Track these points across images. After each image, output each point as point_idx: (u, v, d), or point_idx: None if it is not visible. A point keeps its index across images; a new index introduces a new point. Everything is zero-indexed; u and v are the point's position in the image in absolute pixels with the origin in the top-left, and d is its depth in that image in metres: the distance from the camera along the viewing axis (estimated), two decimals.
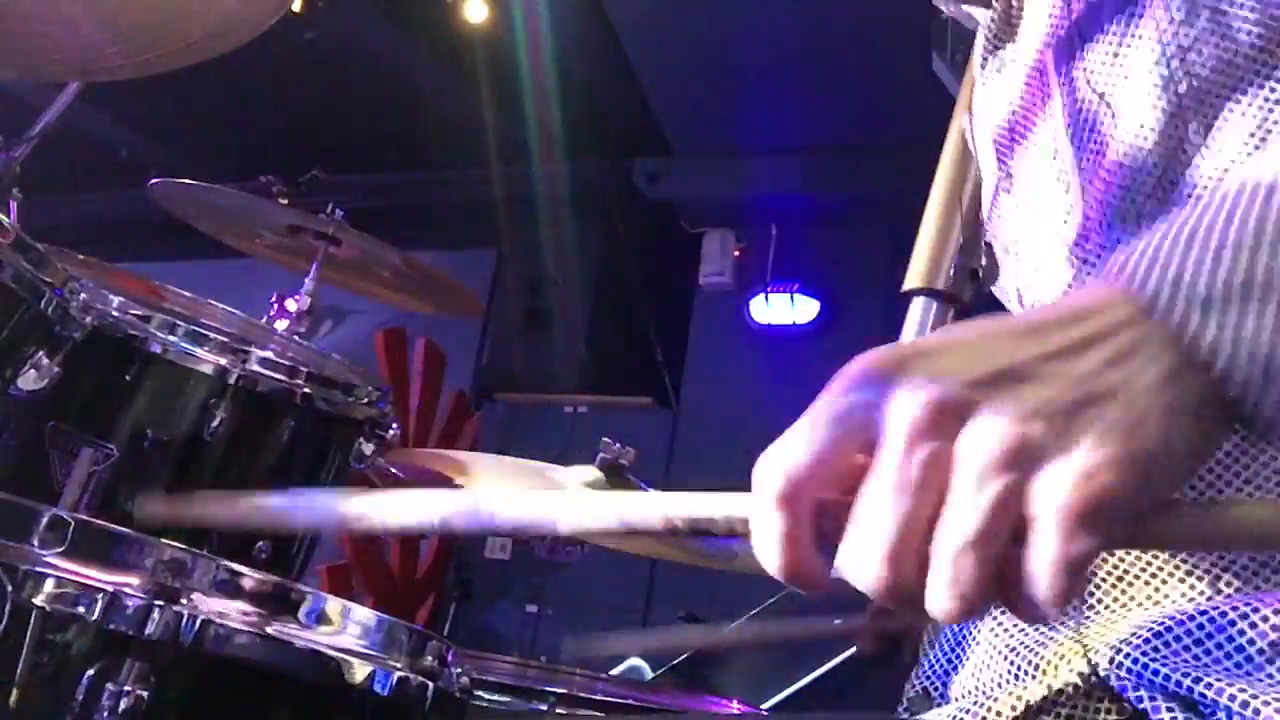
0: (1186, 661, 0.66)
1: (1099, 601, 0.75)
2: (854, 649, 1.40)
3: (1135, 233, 0.73)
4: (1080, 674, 0.70)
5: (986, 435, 0.50)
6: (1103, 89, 0.80)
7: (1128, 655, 0.68)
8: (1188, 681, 0.64)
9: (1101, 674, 0.69)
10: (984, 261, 1.16)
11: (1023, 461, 0.50)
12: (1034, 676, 0.74)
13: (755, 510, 0.53)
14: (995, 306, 1.09)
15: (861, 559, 0.51)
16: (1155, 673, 0.66)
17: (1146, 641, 0.68)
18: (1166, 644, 0.67)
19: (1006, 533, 0.50)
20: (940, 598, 0.50)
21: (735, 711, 1.66)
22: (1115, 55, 0.80)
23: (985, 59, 0.97)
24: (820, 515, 0.53)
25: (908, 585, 0.51)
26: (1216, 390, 0.52)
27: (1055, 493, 0.49)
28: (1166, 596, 0.72)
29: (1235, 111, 0.73)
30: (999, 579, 0.50)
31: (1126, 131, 0.78)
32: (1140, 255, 0.55)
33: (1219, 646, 0.66)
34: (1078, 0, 0.84)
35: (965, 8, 1.01)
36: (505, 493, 0.59)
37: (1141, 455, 0.50)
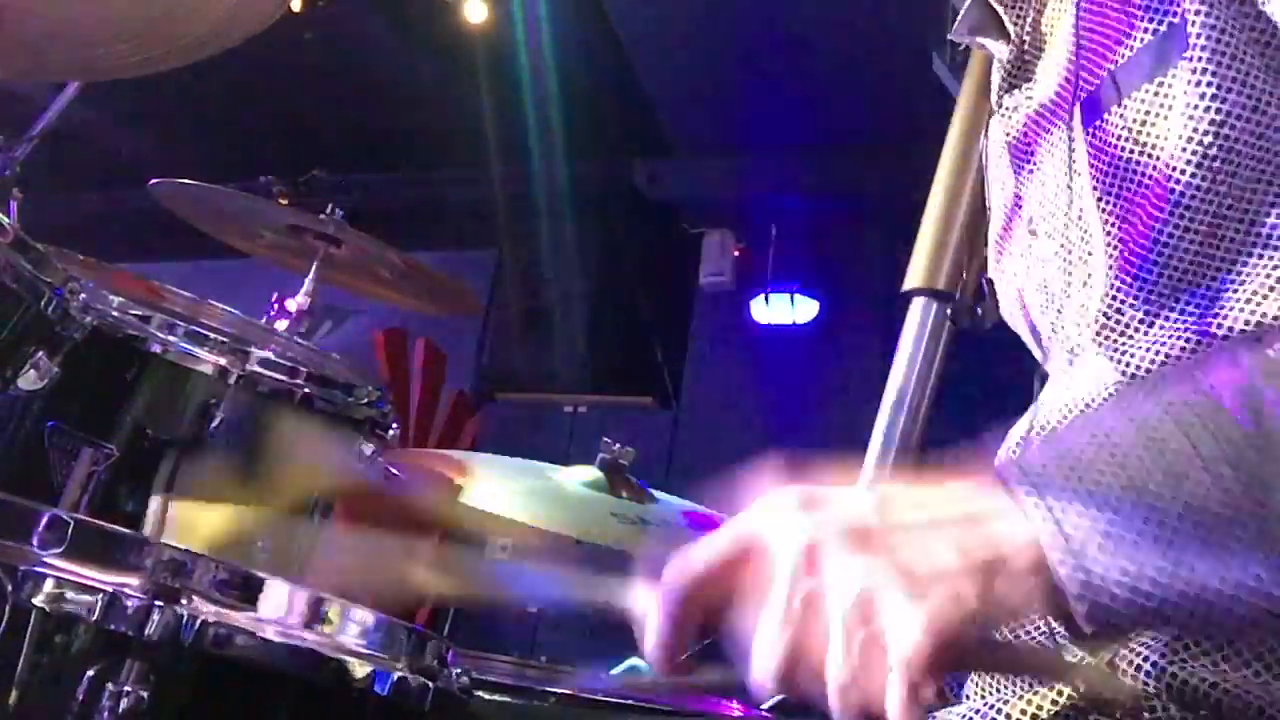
0: (1204, 668, 0.66)
1: None
2: None
3: (1172, 310, 0.78)
4: (1093, 680, 0.70)
5: (840, 580, 0.61)
6: (1130, 155, 0.80)
7: (1146, 658, 0.68)
8: (1204, 687, 0.64)
9: (1115, 680, 0.69)
10: (985, 298, 1.16)
11: (873, 614, 0.60)
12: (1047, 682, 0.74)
13: (653, 600, 0.67)
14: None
15: (763, 665, 0.63)
16: (1173, 676, 0.66)
17: (1166, 644, 0.68)
18: (1186, 647, 0.67)
19: (878, 663, 0.59)
20: (835, 709, 0.61)
21: (735, 711, 1.65)
22: (1144, 122, 0.80)
23: (1001, 97, 0.98)
24: (710, 614, 0.67)
25: (800, 684, 0.62)
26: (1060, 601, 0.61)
27: (901, 642, 0.59)
28: None
29: (1270, 192, 0.75)
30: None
31: (1159, 204, 0.78)
32: (1039, 471, 0.63)
33: (1238, 653, 0.66)
34: (1100, 55, 0.84)
35: (980, 40, 1.01)
36: None
37: (985, 615, 0.60)
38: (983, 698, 0.81)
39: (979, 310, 1.19)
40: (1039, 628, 0.78)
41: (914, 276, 1.31)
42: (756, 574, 0.64)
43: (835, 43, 4.36)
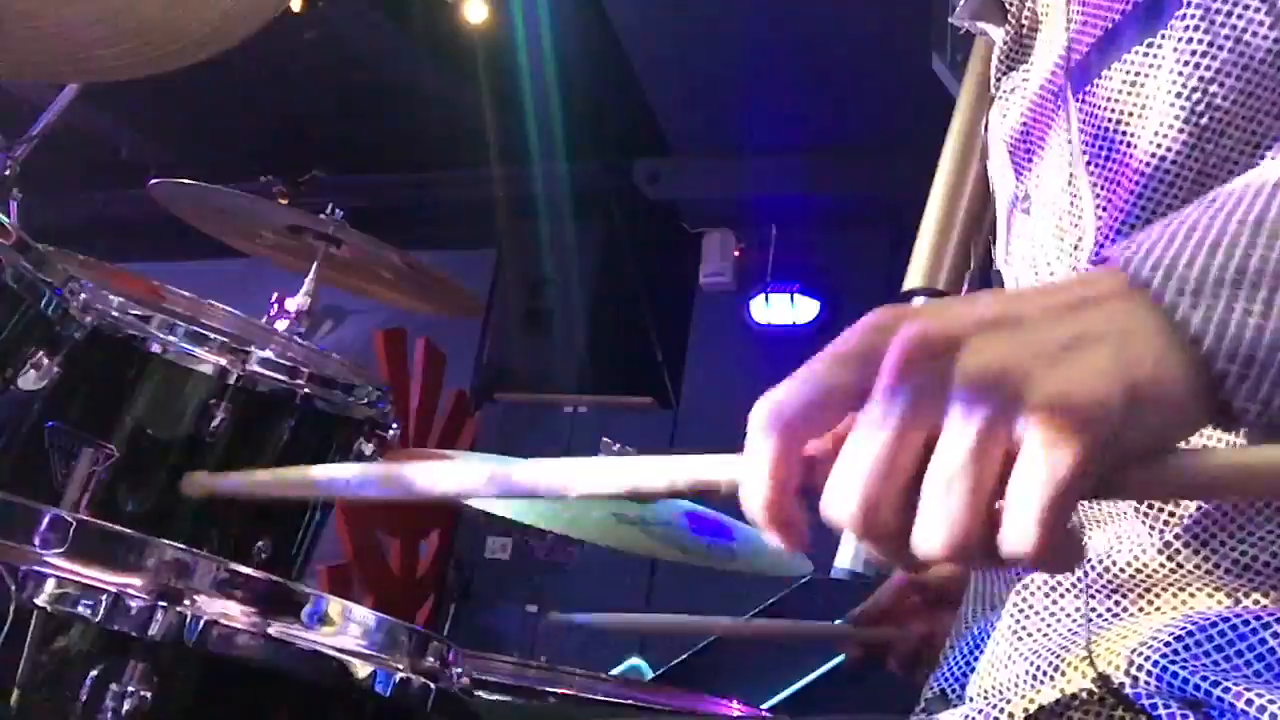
0: (1206, 666, 0.66)
1: (1125, 611, 0.74)
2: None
3: None
4: (1095, 679, 0.70)
5: (976, 360, 0.49)
6: (1119, 117, 0.80)
7: (1148, 658, 0.68)
8: (1205, 685, 0.64)
9: (1116, 682, 0.69)
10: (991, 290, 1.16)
11: (1014, 386, 0.48)
12: (1051, 679, 0.74)
13: (747, 445, 0.53)
14: None
15: (840, 492, 0.51)
16: (1174, 675, 0.66)
17: (1168, 644, 0.68)
18: (1187, 648, 0.67)
19: (998, 463, 0.48)
20: (929, 534, 0.49)
21: (735, 712, 1.66)
22: (1133, 84, 0.79)
23: (999, 79, 0.97)
24: (812, 468, 0.52)
25: (884, 522, 0.50)
26: (1200, 372, 0.52)
27: (1044, 404, 0.48)
28: (1193, 609, 0.72)
29: (1257, 155, 0.73)
30: (990, 524, 0.49)
31: (1144, 163, 0.77)
32: (1138, 246, 0.56)
33: (1240, 654, 0.66)
34: (1093, 24, 0.84)
35: (981, 25, 1.01)
36: (520, 463, 0.61)
37: (1133, 380, 0.49)
38: (985, 697, 0.81)
39: None
40: None
41: (914, 276, 1.31)
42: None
43: (835, 43, 4.36)
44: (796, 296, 5.20)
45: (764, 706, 2.06)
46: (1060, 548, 0.49)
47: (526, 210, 5.33)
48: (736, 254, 5.37)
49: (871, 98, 4.54)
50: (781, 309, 5.23)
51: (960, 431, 0.48)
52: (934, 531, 0.49)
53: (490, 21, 4.58)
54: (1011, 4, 0.96)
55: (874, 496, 0.50)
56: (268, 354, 1.66)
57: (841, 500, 0.51)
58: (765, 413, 0.53)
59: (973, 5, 1.00)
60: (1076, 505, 0.48)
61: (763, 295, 5.24)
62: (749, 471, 0.53)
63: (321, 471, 0.71)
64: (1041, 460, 0.47)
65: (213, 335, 1.63)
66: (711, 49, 4.54)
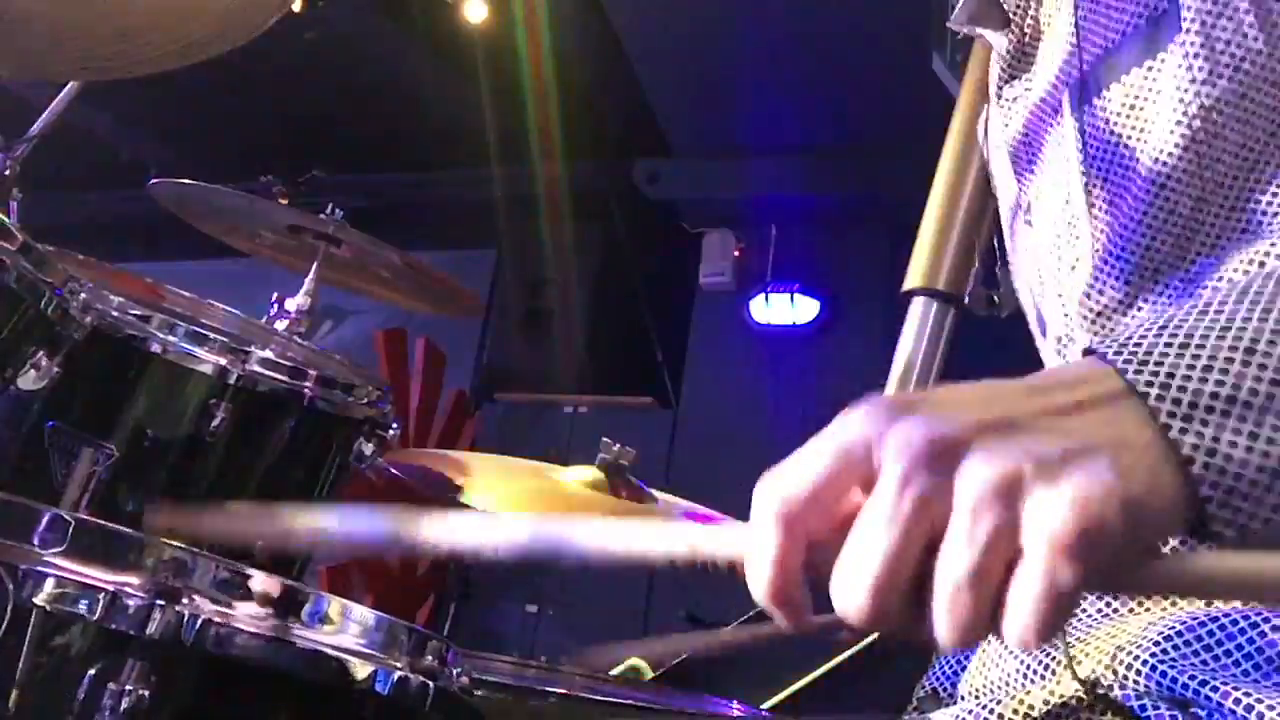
0: (1194, 665, 0.66)
1: (1114, 610, 0.75)
2: (852, 649, 1.39)
3: (1150, 291, 0.76)
4: (1085, 680, 0.70)
5: (981, 471, 0.51)
6: (1118, 139, 0.80)
7: (1136, 658, 0.68)
8: (1194, 685, 0.64)
9: (1105, 683, 0.69)
10: (1001, 289, 1.17)
11: (1015, 497, 0.51)
12: (1042, 677, 0.74)
13: (752, 531, 0.54)
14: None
15: (850, 585, 0.52)
16: (1163, 675, 0.66)
17: (1156, 644, 0.68)
18: (1176, 647, 0.67)
19: (1001, 567, 0.51)
20: (939, 630, 0.52)
21: (735, 712, 1.66)
22: (1133, 106, 0.79)
23: (1001, 87, 0.97)
24: (813, 551, 0.54)
25: (893, 614, 0.52)
26: (1185, 488, 0.54)
27: (1046, 521, 0.50)
28: (1181, 608, 0.72)
29: (1252, 178, 0.74)
30: (995, 611, 0.51)
31: (1143, 188, 0.78)
32: (1134, 349, 0.58)
33: (1228, 654, 0.66)
34: (1096, 40, 0.84)
35: (980, 30, 1.01)
36: (510, 519, 0.61)
37: (1129, 496, 0.52)
38: (975, 697, 0.81)
39: (995, 299, 1.19)
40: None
41: (914, 276, 1.31)
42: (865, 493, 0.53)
43: (835, 43, 4.35)
44: (796, 296, 5.20)
45: (764, 706, 2.05)
46: (1055, 633, 0.52)
47: (526, 210, 5.33)
48: (736, 254, 5.37)
49: (871, 98, 4.54)
50: (781, 309, 5.23)
51: (967, 540, 0.51)
52: (944, 626, 0.52)
53: (490, 21, 4.58)
54: (1015, 12, 0.96)
55: (883, 591, 0.52)
56: (268, 354, 1.66)
57: (852, 594, 0.53)
58: (771, 499, 0.54)
59: (970, 9, 1.00)
60: (1073, 608, 0.52)
61: (763, 295, 5.24)
62: (755, 557, 0.54)
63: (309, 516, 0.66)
64: (1041, 575, 0.50)
65: (213, 335, 1.63)
66: (711, 49, 4.54)
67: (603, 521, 0.60)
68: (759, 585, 0.54)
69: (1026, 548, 0.50)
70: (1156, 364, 0.56)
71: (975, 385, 0.57)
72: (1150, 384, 0.56)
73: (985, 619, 0.51)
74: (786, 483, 0.54)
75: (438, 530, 0.62)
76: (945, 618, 0.51)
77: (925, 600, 0.52)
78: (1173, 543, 0.64)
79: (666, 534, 0.59)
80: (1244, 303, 0.58)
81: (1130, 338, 0.58)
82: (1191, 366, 0.56)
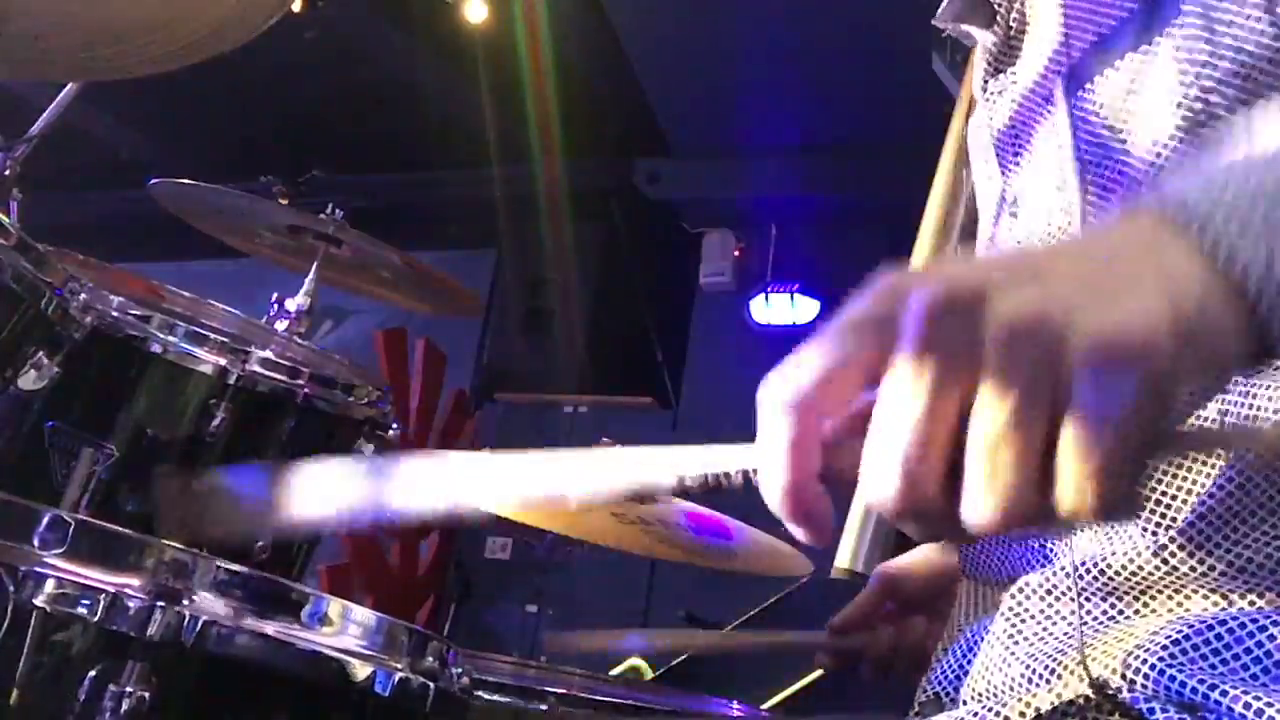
0: (1203, 669, 0.66)
1: (1120, 614, 0.74)
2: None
3: None
4: (1091, 684, 0.70)
5: (1010, 308, 0.45)
6: (1114, 123, 0.79)
7: (1144, 661, 0.68)
8: (1203, 689, 0.63)
9: (1113, 686, 0.69)
10: None
11: (1055, 330, 0.44)
12: (1047, 682, 0.74)
13: (760, 427, 0.48)
14: None
15: (878, 472, 0.46)
16: (1171, 679, 0.66)
17: (1164, 648, 0.68)
18: (1184, 651, 0.67)
19: (1045, 419, 0.44)
20: (979, 506, 0.45)
21: (735, 712, 1.66)
22: (1129, 89, 0.78)
23: (986, 81, 0.96)
24: (833, 453, 0.48)
25: (929, 498, 0.46)
26: (1240, 311, 0.49)
27: (1093, 348, 0.44)
28: (1189, 611, 0.72)
29: None
30: (1044, 485, 0.45)
31: (1141, 171, 0.77)
32: (1172, 193, 0.52)
33: (1236, 657, 0.66)
34: (1085, 28, 0.83)
35: (965, 27, 1.01)
36: (517, 459, 0.58)
37: (1180, 317, 0.45)
38: (979, 700, 0.81)
39: None
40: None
41: None
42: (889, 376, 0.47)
43: (835, 43, 4.35)
44: (796, 296, 5.19)
45: (764, 706, 2.05)
46: (1122, 499, 0.45)
47: (526, 210, 5.33)
48: (736, 254, 5.37)
49: (871, 98, 4.53)
50: (781, 309, 5.23)
51: (1001, 388, 0.44)
52: (984, 503, 0.45)
53: (490, 21, 4.58)
54: (1000, 6, 0.95)
55: (915, 473, 0.46)
56: (268, 354, 1.66)
57: (881, 481, 0.46)
58: (778, 389, 0.48)
59: (955, 8, 0.99)
60: (1136, 455, 0.44)
61: (763, 295, 5.24)
62: (766, 456, 0.48)
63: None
64: (1096, 406, 0.43)
65: (213, 335, 1.63)
66: (711, 49, 4.54)
67: (610, 454, 0.57)
68: (774, 490, 0.48)
69: (1073, 383, 0.43)
70: (1194, 204, 0.50)
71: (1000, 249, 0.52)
72: (1190, 221, 0.49)
73: (1032, 484, 0.44)
74: (795, 369, 0.48)
75: (434, 483, 0.60)
76: (986, 489, 0.44)
77: (962, 480, 0.45)
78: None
79: (676, 459, 0.54)
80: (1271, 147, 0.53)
81: (1169, 188, 0.52)
82: (1233, 204, 0.50)
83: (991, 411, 0.44)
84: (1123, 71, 0.79)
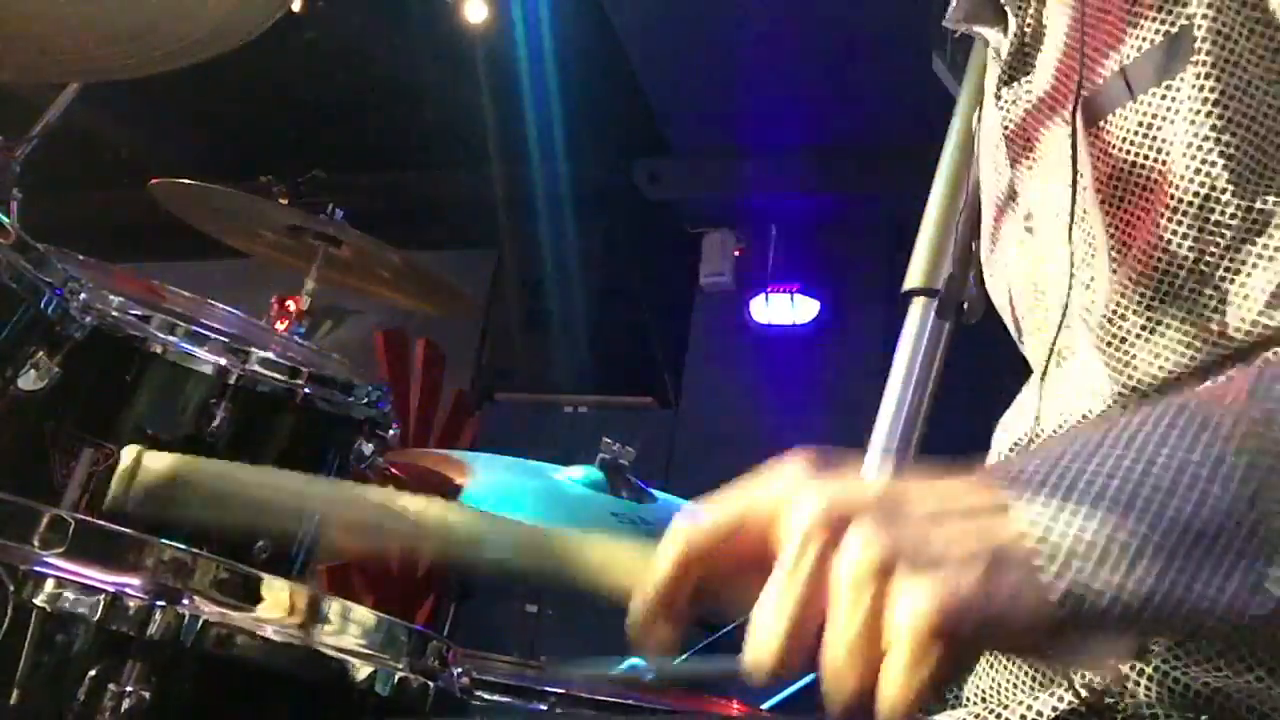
0: (1208, 671, 0.66)
1: None
2: None
3: (1168, 316, 0.77)
4: (1093, 687, 0.70)
5: (856, 550, 0.56)
6: (1135, 160, 0.80)
7: (1149, 663, 0.68)
8: (1206, 691, 0.63)
9: (1117, 689, 0.69)
10: (972, 292, 1.16)
11: (886, 579, 0.56)
12: (1051, 682, 0.74)
13: (652, 560, 0.61)
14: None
15: (767, 632, 0.58)
16: (1175, 681, 0.66)
17: (1169, 649, 0.68)
18: (1189, 652, 0.67)
19: (878, 640, 0.55)
20: (833, 684, 0.57)
21: (735, 712, 1.66)
22: (1149, 127, 0.79)
23: (1000, 88, 0.96)
24: (720, 584, 0.61)
25: (800, 665, 0.58)
26: (1054, 617, 0.57)
27: (908, 613, 0.55)
28: None
29: (1259, 201, 0.74)
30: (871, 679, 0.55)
31: (1161, 213, 0.77)
32: (1030, 477, 0.61)
33: (1241, 659, 0.66)
34: (1102, 53, 0.83)
35: (977, 28, 1.00)
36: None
37: (990, 609, 0.56)
38: (982, 700, 0.81)
39: (964, 305, 1.18)
40: None
41: (914, 276, 1.31)
42: (766, 546, 0.59)
43: (835, 43, 4.35)
44: (796, 296, 5.20)
45: (764, 706, 2.06)
46: (923, 707, 0.56)
47: (526, 210, 5.33)
48: (736, 254, 5.37)
49: (871, 98, 4.54)
50: (781, 309, 5.23)
51: (848, 615, 0.56)
52: (831, 690, 0.57)
53: (490, 21, 4.58)
54: (1016, 10, 0.95)
55: (791, 642, 0.58)
56: (268, 354, 1.66)
57: (765, 640, 0.58)
58: (677, 536, 0.61)
59: (966, 7, 0.99)
60: (942, 687, 0.56)
61: (763, 295, 5.24)
62: (644, 583, 0.61)
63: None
64: (902, 659, 0.55)
65: (213, 335, 1.63)
66: (711, 49, 4.54)
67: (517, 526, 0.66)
68: (635, 610, 0.62)
69: (894, 631, 0.55)
70: (1043, 505, 0.59)
71: (890, 482, 0.63)
72: (1035, 523, 0.58)
73: (867, 689, 0.56)
74: (694, 525, 0.61)
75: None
76: (837, 676, 0.56)
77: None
78: None
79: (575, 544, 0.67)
80: (1131, 450, 0.60)
81: (1024, 470, 0.61)
82: (1072, 514, 0.58)
83: (841, 630, 0.56)
84: (1143, 107, 0.79)
